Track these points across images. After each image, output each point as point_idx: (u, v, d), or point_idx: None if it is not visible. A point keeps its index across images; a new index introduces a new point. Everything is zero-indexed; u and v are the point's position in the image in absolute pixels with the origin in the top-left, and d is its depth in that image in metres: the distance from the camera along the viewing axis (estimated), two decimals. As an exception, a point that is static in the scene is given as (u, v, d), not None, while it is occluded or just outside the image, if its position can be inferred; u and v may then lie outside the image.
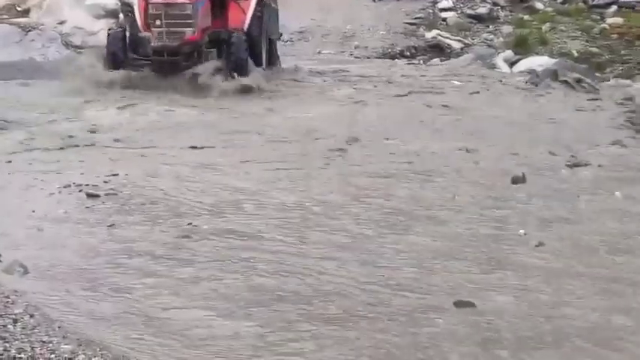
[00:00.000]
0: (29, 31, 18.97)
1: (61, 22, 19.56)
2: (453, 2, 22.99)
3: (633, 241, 7.70)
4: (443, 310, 6.17)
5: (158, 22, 15.24)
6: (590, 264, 7.10)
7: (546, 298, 6.43)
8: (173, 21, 15.25)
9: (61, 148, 11.24)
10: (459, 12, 22.56)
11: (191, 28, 15.34)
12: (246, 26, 15.99)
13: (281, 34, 18.38)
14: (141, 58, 15.78)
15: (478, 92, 15.64)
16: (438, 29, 21.59)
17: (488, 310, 6.16)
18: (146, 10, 15.49)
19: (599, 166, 10.32)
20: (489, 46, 20.65)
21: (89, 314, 6.02)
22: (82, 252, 7.27)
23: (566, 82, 15.90)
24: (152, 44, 15.32)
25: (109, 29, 16.59)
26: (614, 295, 6.48)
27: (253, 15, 16.12)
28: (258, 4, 16.27)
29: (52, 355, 5.13)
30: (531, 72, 17.34)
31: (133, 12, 16.24)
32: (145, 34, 15.62)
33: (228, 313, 6.09)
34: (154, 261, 7.07)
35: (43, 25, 19.24)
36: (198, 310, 6.14)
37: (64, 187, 9.10)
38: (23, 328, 5.51)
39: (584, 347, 5.65)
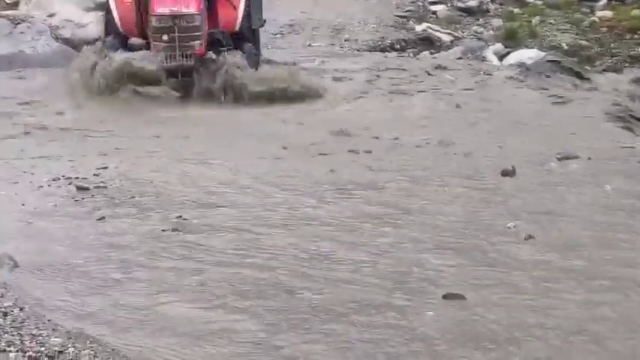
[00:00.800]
0: (18, 23, 18.84)
1: (51, 15, 19.44)
2: (443, -5, 22.96)
3: (622, 235, 7.71)
4: (432, 302, 6.19)
5: (165, 37, 13.74)
6: (579, 257, 7.11)
7: (536, 291, 6.45)
8: (182, 34, 13.75)
9: (51, 141, 11.22)
10: (448, 5, 22.52)
11: (199, 41, 13.91)
12: (237, 26, 15.20)
13: (264, 21, 17.20)
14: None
15: (468, 85, 15.63)
16: (428, 22, 21.56)
17: (478, 303, 6.17)
18: (145, 19, 14.27)
19: (589, 158, 10.33)
20: (479, 39, 20.61)
21: (79, 307, 6.02)
22: (71, 245, 7.27)
23: (556, 74, 15.91)
24: (164, 64, 13.72)
25: (105, 36, 15.13)
26: (604, 290, 6.49)
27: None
28: None
29: (42, 349, 5.13)
30: (521, 65, 17.33)
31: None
32: (136, 40, 14.33)
33: (217, 307, 6.09)
34: (143, 254, 7.07)
35: (32, 17, 19.11)
36: (186, 303, 6.15)
37: (54, 180, 9.08)
38: (13, 321, 5.52)
39: (572, 341, 5.67)
